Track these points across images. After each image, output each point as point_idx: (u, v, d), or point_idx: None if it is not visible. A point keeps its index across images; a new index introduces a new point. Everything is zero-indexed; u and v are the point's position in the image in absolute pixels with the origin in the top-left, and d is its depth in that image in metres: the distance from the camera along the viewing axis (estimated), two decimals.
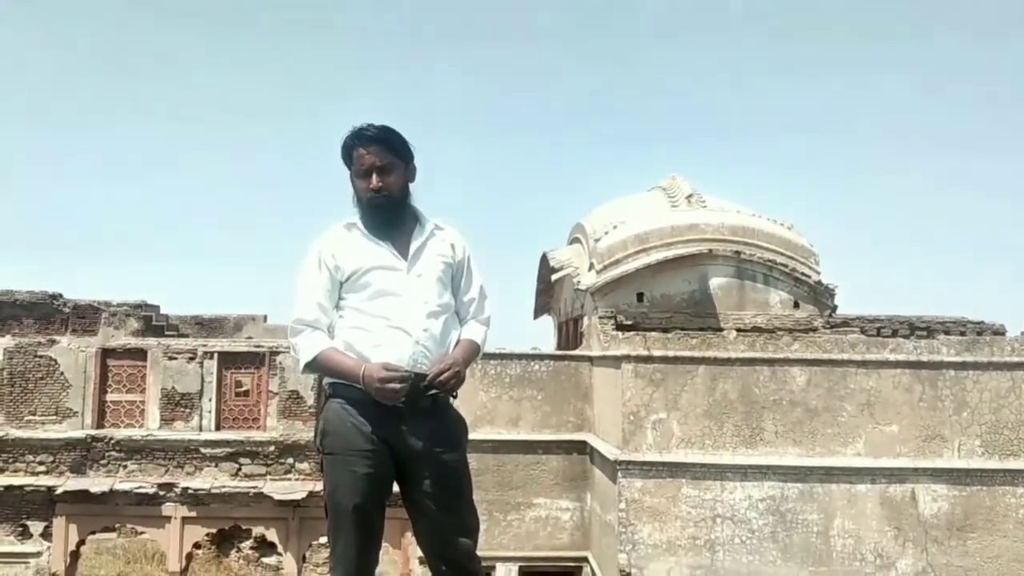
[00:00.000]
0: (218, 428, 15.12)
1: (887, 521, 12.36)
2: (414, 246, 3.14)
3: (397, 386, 2.89)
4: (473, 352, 3.17)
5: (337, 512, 3.03)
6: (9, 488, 14.63)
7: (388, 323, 3.03)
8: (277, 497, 14.42)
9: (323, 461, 3.10)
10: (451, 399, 3.15)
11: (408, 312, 3.04)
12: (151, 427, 15.10)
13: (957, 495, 12.42)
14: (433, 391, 2.98)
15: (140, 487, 14.62)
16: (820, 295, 15.93)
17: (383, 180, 3.09)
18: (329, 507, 3.06)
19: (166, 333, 17.11)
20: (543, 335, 21.56)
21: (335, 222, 3.24)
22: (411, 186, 3.20)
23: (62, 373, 15.16)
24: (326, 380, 3.14)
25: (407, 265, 3.10)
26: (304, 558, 15.48)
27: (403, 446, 3.01)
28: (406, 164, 3.17)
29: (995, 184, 57.91)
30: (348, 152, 3.15)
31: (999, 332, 16.42)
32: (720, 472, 12.42)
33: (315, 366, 3.07)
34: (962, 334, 15.51)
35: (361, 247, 3.12)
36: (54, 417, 15.08)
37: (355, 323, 3.07)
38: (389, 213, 3.13)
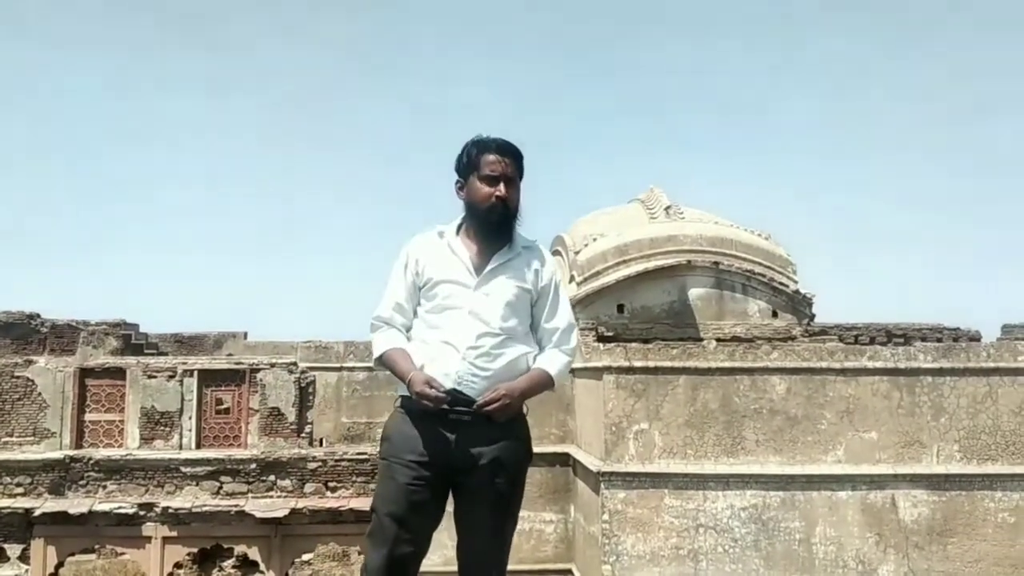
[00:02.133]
0: (198, 446, 14.99)
1: (868, 527, 12.44)
2: (492, 265, 3.11)
3: (429, 404, 2.92)
4: (541, 382, 3.11)
5: (376, 517, 3.07)
6: None
7: (440, 336, 3.04)
8: (259, 515, 14.30)
9: (379, 466, 3.15)
10: (523, 416, 3.14)
11: (463, 328, 3.02)
12: (130, 447, 14.95)
13: (937, 500, 12.52)
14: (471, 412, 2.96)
15: (120, 507, 14.44)
16: (798, 304, 16.09)
17: (508, 192, 3.10)
18: (372, 511, 3.11)
19: (145, 351, 17.01)
20: None
21: (429, 227, 3.27)
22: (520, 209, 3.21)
23: (40, 393, 14.99)
24: (398, 391, 3.16)
25: (477, 282, 3.08)
26: None
27: (458, 464, 3.00)
28: (519, 184, 3.20)
29: (968, 191, 58.66)
30: (477, 155, 3.13)
31: (975, 338, 16.63)
32: (702, 481, 12.46)
33: (383, 362, 3.13)
34: (938, 341, 15.69)
35: (441, 257, 3.13)
36: (32, 438, 14.90)
37: (418, 334, 3.12)
38: (501, 224, 3.11)
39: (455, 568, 3.23)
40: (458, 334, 3.02)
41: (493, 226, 3.11)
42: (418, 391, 2.93)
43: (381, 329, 3.16)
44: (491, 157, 3.11)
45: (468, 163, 3.15)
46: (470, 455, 2.99)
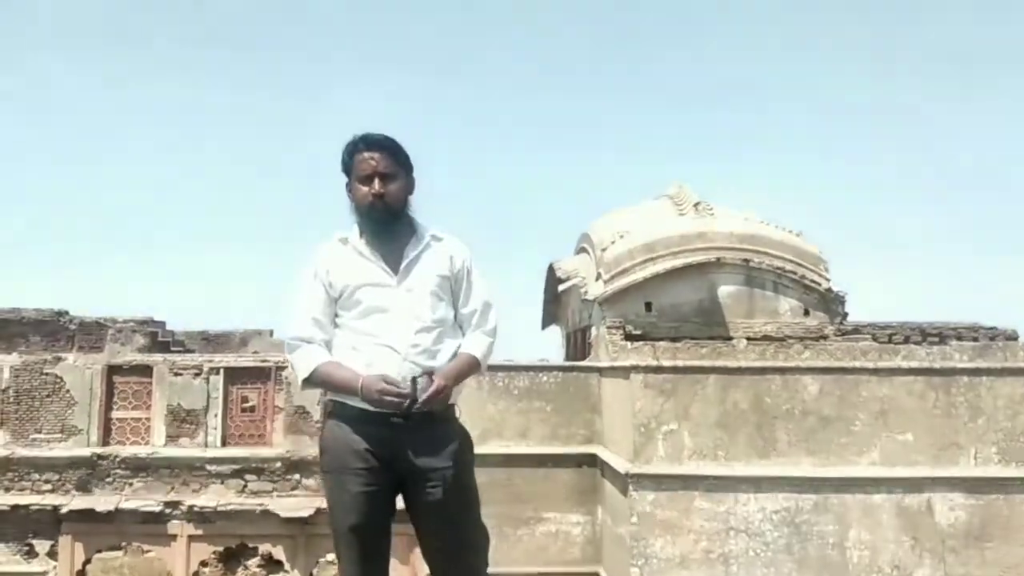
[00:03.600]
0: (224, 444, 15.02)
1: (904, 531, 12.18)
2: (406, 260, 3.07)
3: (394, 399, 2.85)
4: (468, 365, 3.08)
5: (337, 531, 3.03)
6: (15, 507, 14.56)
7: (376, 340, 2.98)
8: (284, 514, 14.31)
9: (324, 479, 3.10)
10: (456, 412, 3.11)
11: (397, 328, 2.98)
12: (157, 444, 15.02)
13: (974, 504, 12.25)
14: (416, 407, 2.90)
15: (146, 505, 14.54)
16: (830, 302, 15.78)
17: (385, 187, 3.05)
18: (330, 526, 3.07)
19: (172, 349, 17.05)
20: (551, 346, 21.45)
21: (329, 236, 3.21)
22: (410, 199, 3.16)
23: (68, 391, 15.09)
24: (327, 398, 3.13)
25: (397, 280, 3.04)
26: (311, 575, 15.34)
27: (402, 463, 2.96)
28: (407, 174, 3.14)
29: (1004, 186, 57.71)
30: (350, 157, 3.10)
31: (1012, 337, 16.22)
32: (733, 484, 12.26)
33: (314, 381, 3.04)
34: (975, 340, 15.32)
35: (352, 263, 3.08)
36: (60, 435, 15.01)
37: (346, 342, 3.04)
38: (386, 221, 3.08)
39: None
40: (394, 334, 2.97)
41: (378, 224, 3.07)
42: (379, 389, 2.85)
43: (300, 348, 3.05)
44: (362, 156, 3.07)
45: (346, 165, 3.12)
46: (414, 458, 2.95)
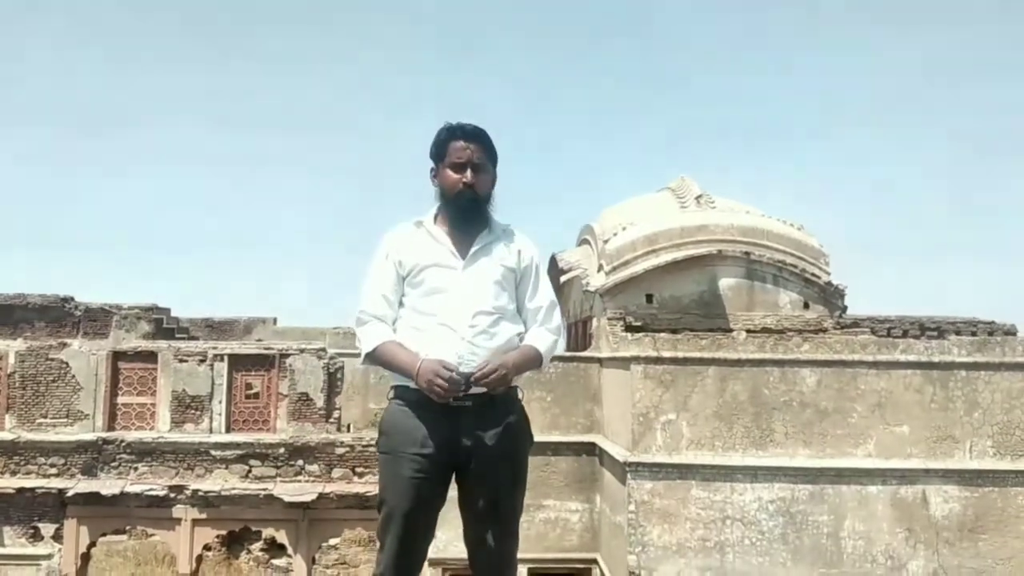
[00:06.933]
0: (228, 430, 15.16)
1: (898, 522, 12.30)
2: (476, 246, 3.14)
3: (444, 384, 2.89)
4: (531, 358, 3.13)
5: (385, 511, 3.08)
6: (21, 490, 14.70)
7: (436, 320, 3.05)
8: (287, 499, 14.46)
9: (380, 460, 3.15)
10: (519, 396, 3.17)
11: (457, 310, 3.04)
12: (162, 429, 15.16)
13: (968, 496, 12.34)
14: (473, 389, 2.94)
15: (151, 489, 14.67)
16: (830, 296, 15.88)
17: (476, 177, 3.13)
18: (380, 505, 3.12)
19: (177, 336, 17.17)
20: None
21: (404, 219, 3.28)
22: (493, 192, 3.23)
23: (73, 376, 15.22)
24: (391, 381, 3.16)
25: (464, 264, 3.11)
26: (314, 560, 15.50)
27: (461, 449, 3.02)
28: (493, 168, 3.23)
29: (1002, 182, 57.60)
30: (443, 144, 3.16)
31: (1010, 332, 16.32)
32: (730, 473, 12.38)
33: (375, 357, 3.10)
34: (973, 334, 15.42)
35: (423, 245, 3.16)
36: (65, 420, 15.15)
37: (409, 322, 3.11)
38: (472, 209, 3.15)
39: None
40: (453, 315, 3.03)
41: (463, 211, 3.14)
42: (429, 379, 2.89)
43: (369, 323, 3.13)
44: (458, 144, 3.13)
45: (438, 151, 3.18)
46: (473, 442, 3.01)
